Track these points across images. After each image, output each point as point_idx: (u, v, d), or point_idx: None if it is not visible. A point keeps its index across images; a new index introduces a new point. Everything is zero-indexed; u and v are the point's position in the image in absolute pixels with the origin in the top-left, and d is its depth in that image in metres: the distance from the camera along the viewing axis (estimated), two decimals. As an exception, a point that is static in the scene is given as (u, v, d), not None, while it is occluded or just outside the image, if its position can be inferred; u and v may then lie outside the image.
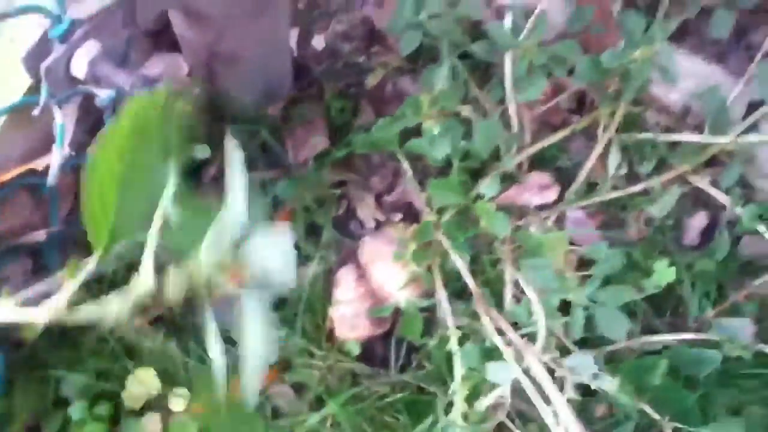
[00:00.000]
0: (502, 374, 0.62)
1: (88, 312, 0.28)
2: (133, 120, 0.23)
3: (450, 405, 0.65)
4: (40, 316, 0.28)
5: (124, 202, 0.24)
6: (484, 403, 0.64)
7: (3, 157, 0.50)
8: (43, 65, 0.48)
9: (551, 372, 0.60)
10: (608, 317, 0.61)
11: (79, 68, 0.49)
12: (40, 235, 0.58)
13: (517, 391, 0.64)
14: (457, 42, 0.74)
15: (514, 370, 0.60)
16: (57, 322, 0.28)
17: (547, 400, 0.60)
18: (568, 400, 0.58)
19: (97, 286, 0.68)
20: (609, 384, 0.58)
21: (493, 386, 0.64)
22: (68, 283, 0.28)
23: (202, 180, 0.72)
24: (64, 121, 0.54)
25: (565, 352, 0.63)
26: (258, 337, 0.28)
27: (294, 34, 0.82)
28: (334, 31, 0.83)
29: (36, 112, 0.52)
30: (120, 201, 0.24)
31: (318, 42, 0.83)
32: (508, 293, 0.70)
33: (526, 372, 0.61)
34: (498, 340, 0.63)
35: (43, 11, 0.47)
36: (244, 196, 0.27)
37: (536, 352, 0.62)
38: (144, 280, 0.27)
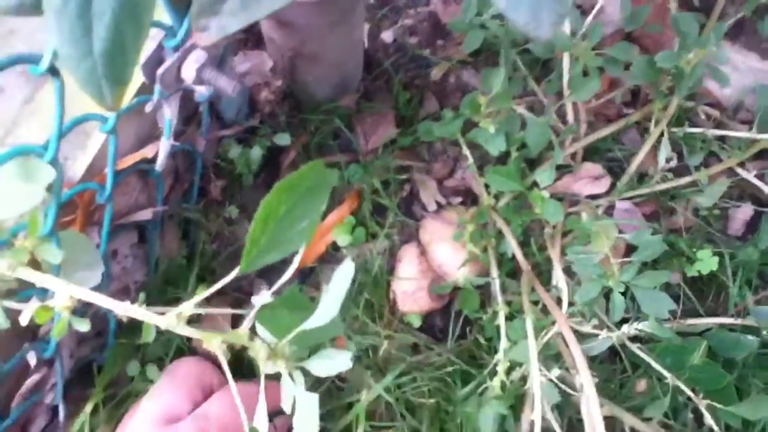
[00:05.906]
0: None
1: (195, 333, 0.32)
2: (302, 178, 0.30)
3: (494, 374, 0.69)
4: (163, 322, 0.32)
5: (276, 235, 0.31)
6: (518, 374, 0.69)
7: (119, 147, 0.59)
8: (159, 71, 0.56)
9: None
10: (650, 297, 0.64)
11: (188, 73, 0.57)
12: (147, 214, 0.65)
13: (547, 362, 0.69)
14: (518, 40, 0.79)
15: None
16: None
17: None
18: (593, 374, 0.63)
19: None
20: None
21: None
22: (196, 298, 0.32)
23: (281, 164, 0.79)
24: (171, 116, 0.62)
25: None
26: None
27: (365, 28, 0.86)
28: (402, 25, 0.88)
29: (148, 108, 0.60)
30: (274, 233, 0.30)
31: (387, 36, 0.88)
32: (555, 277, 0.75)
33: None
34: (531, 309, 0.66)
35: (162, 26, 0.54)
36: (337, 307, 0.32)
37: (569, 322, 0.66)
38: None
